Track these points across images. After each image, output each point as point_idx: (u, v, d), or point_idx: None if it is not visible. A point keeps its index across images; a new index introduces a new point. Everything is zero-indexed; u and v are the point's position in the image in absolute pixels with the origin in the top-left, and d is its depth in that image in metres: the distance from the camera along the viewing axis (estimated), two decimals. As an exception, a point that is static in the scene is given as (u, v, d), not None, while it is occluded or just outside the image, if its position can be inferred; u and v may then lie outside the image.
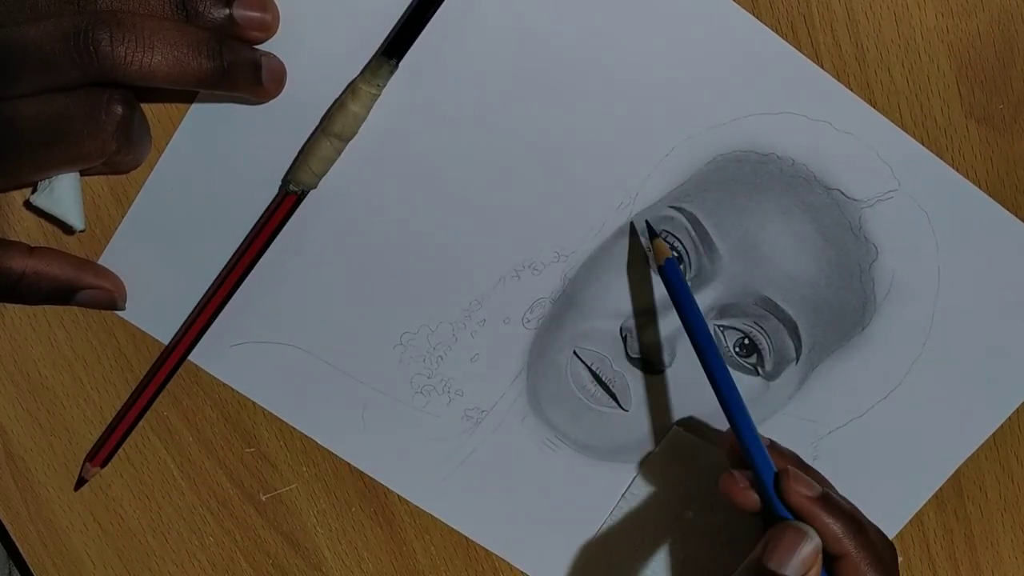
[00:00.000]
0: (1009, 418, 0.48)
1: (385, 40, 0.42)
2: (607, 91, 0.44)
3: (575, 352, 0.48)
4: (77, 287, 0.44)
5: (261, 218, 0.45)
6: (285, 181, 0.44)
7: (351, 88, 0.42)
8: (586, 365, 0.48)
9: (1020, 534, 0.50)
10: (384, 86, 0.42)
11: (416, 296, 0.47)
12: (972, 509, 0.50)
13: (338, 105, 0.43)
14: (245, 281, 0.45)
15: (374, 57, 0.42)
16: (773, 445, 0.45)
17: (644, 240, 0.46)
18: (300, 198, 0.44)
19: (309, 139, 0.44)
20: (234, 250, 0.45)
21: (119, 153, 0.41)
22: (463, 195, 0.45)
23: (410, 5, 0.42)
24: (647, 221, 0.46)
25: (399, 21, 0.42)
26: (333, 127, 0.43)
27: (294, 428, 0.48)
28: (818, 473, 0.45)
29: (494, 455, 0.49)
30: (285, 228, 0.44)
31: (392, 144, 0.44)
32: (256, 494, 0.49)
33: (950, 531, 0.50)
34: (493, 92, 0.44)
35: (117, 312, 0.46)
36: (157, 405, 0.47)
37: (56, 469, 0.48)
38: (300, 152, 0.44)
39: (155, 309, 0.46)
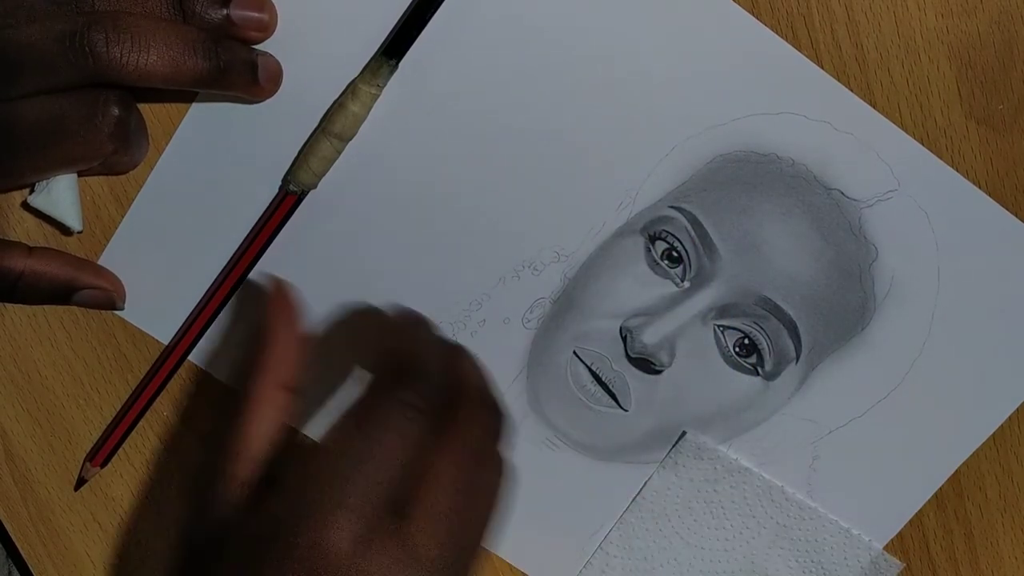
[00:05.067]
0: (1009, 418, 0.48)
1: (385, 40, 0.42)
2: (607, 91, 0.44)
3: (575, 352, 0.48)
4: (76, 287, 0.44)
5: (261, 218, 0.45)
6: (285, 181, 0.44)
7: (351, 88, 0.42)
8: (586, 365, 0.48)
9: (1020, 534, 0.50)
10: (384, 86, 0.42)
11: (416, 296, 0.47)
12: (972, 509, 0.50)
13: (338, 105, 0.43)
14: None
15: (374, 57, 0.42)
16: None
17: (643, 240, 0.46)
18: (300, 198, 0.44)
19: (309, 139, 0.44)
20: (234, 250, 0.45)
21: (116, 154, 0.41)
22: (463, 195, 0.45)
23: (410, 5, 0.42)
24: (643, 225, 0.46)
25: (399, 21, 0.42)
26: (333, 127, 0.43)
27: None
28: None
29: (494, 455, 0.49)
30: (285, 228, 0.44)
31: (392, 144, 0.44)
32: (256, 494, 0.49)
33: (950, 531, 0.50)
34: (492, 92, 0.44)
35: (117, 312, 0.46)
36: (157, 405, 0.47)
37: (56, 469, 0.48)
38: (300, 152, 0.44)
39: (155, 309, 0.46)
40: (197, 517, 0.38)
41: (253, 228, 0.45)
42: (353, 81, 0.43)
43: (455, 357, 0.43)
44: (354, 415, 0.38)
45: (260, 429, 0.38)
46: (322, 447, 0.37)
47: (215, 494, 0.38)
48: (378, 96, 0.42)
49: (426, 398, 0.39)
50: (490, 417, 0.41)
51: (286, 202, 0.44)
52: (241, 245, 0.45)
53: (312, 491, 0.36)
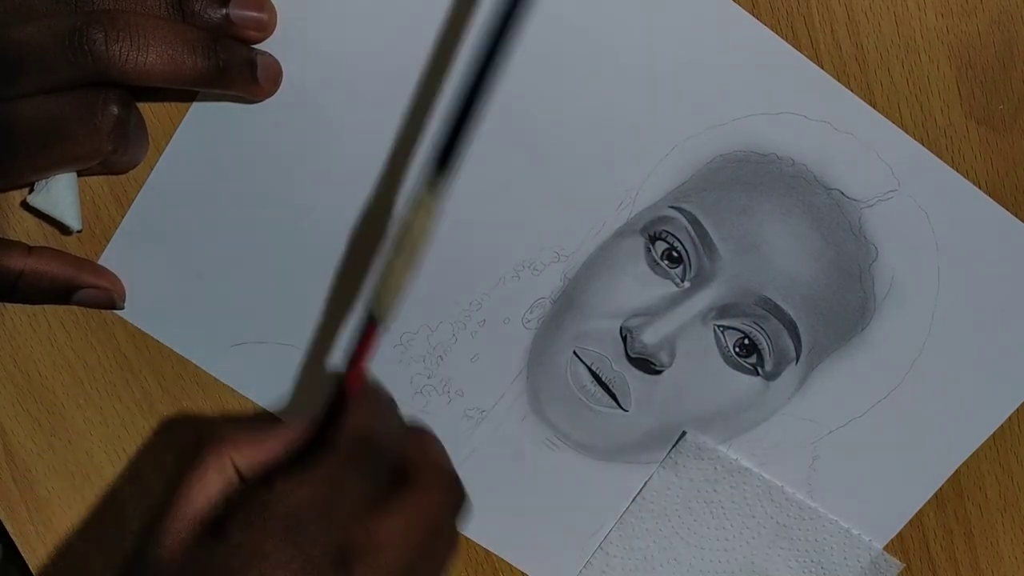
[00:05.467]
0: (1009, 418, 0.48)
1: (435, 154, 0.37)
2: (607, 91, 0.44)
3: (575, 352, 0.48)
4: (76, 286, 0.44)
5: (356, 349, 0.40)
6: (378, 318, 0.39)
7: (422, 208, 0.38)
8: (586, 365, 0.48)
9: (1020, 534, 0.50)
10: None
11: (416, 296, 0.46)
12: (972, 509, 0.50)
13: (415, 232, 0.38)
14: (245, 281, 0.45)
15: (430, 173, 0.38)
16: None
17: (643, 240, 0.46)
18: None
19: (390, 268, 0.39)
20: (233, 249, 0.45)
21: (115, 153, 0.41)
22: (462, 196, 0.45)
23: (453, 116, 0.37)
24: (643, 225, 0.46)
25: (442, 131, 0.37)
26: (416, 255, 0.38)
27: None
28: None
29: (494, 455, 0.49)
30: (283, 224, 0.44)
31: (390, 146, 0.44)
32: (256, 494, 0.49)
33: (950, 531, 0.50)
34: (492, 92, 0.44)
35: (117, 312, 0.46)
36: (157, 405, 0.47)
37: (56, 469, 0.48)
38: (385, 282, 0.39)
39: (155, 309, 0.46)
40: (135, 564, 0.38)
41: (352, 359, 0.40)
42: (419, 201, 0.38)
43: (420, 433, 0.43)
44: (313, 469, 0.37)
45: (203, 491, 0.38)
46: (274, 497, 0.37)
47: (151, 544, 0.38)
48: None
49: (386, 465, 0.39)
50: (449, 492, 0.41)
51: (373, 332, 0.39)
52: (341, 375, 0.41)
53: (258, 537, 0.36)
